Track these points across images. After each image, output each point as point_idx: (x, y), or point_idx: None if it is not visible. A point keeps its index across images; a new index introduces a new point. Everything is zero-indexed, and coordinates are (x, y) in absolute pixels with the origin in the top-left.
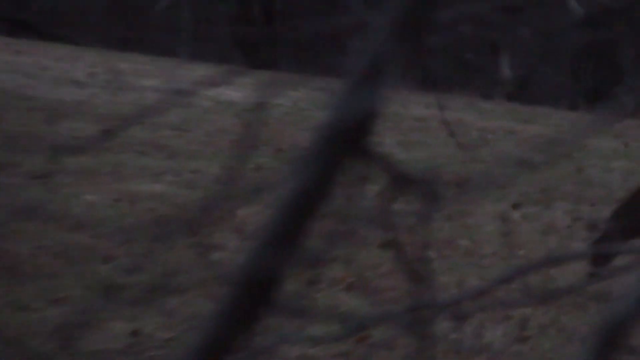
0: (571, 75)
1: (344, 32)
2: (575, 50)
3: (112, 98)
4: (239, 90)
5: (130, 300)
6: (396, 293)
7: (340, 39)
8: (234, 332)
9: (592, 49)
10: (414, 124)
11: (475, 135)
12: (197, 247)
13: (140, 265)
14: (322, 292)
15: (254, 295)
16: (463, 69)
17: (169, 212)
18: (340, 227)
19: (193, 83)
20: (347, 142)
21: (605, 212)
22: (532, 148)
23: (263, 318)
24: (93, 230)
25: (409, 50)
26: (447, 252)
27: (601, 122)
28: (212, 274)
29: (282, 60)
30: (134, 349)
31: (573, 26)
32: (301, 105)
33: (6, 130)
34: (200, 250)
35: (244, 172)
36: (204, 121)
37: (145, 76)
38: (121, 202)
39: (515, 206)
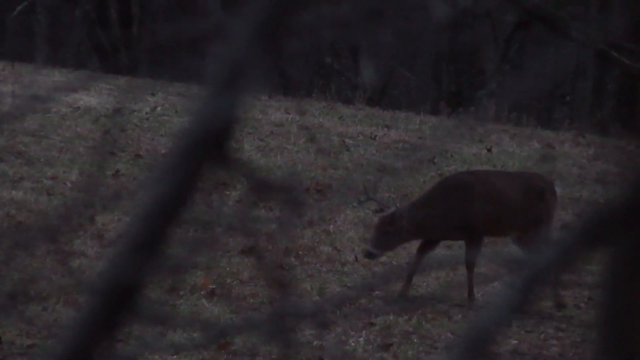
0: (432, 79)
1: (202, 37)
2: (436, 54)
3: None
4: (96, 95)
5: None
6: (258, 300)
7: (199, 44)
8: (96, 339)
9: (453, 53)
10: (273, 129)
11: (336, 141)
12: (57, 254)
13: (0, 272)
14: (184, 299)
15: (115, 303)
16: (323, 73)
17: (28, 219)
18: (201, 233)
19: (50, 89)
20: (207, 148)
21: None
22: (393, 153)
23: (124, 325)
24: None
25: (269, 55)
26: (309, 258)
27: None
28: (73, 281)
29: (139, 65)
30: None
31: (434, 30)
32: (159, 110)
33: None
34: (60, 257)
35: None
36: (62, 127)
37: (2, 81)
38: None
39: (377, 212)
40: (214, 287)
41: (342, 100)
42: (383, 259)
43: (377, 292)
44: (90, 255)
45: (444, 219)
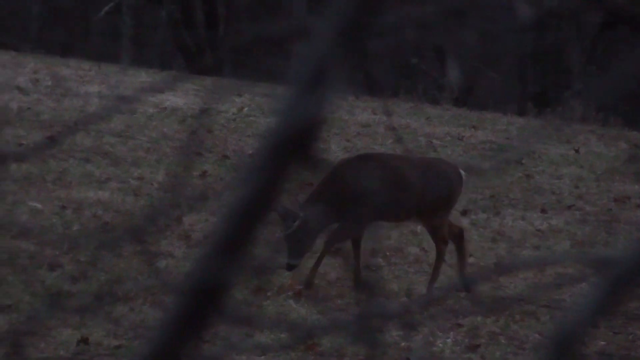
0: (519, 80)
1: (287, 37)
2: (522, 55)
3: (56, 104)
4: (182, 96)
5: (78, 308)
6: (345, 301)
7: (283, 44)
8: (182, 340)
9: (539, 53)
10: (360, 130)
11: (422, 142)
12: (144, 255)
13: (86, 273)
14: (270, 299)
15: (201, 303)
16: (409, 74)
17: (114, 220)
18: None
19: (136, 89)
20: (293, 149)
21: (556, 219)
22: (480, 154)
23: (211, 326)
24: (39, 238)
25: (354, 55)
26: (396, 259)
27: (550, 128)
28: (159, 281)
29: (225, 65)
30: (81, 357)
31: (520, 30)
32: (246, 111)
33: None
34: (147, 258)
35: (189, 179)
36: (148, 128)
37: (88, 82)
38: (66, 209)
39: (464, 213)
40: (300, 287)
41: (428, 101)
42: (470, 259)
43: (464, 293)
44: (177, 255)
45: (342, 204)
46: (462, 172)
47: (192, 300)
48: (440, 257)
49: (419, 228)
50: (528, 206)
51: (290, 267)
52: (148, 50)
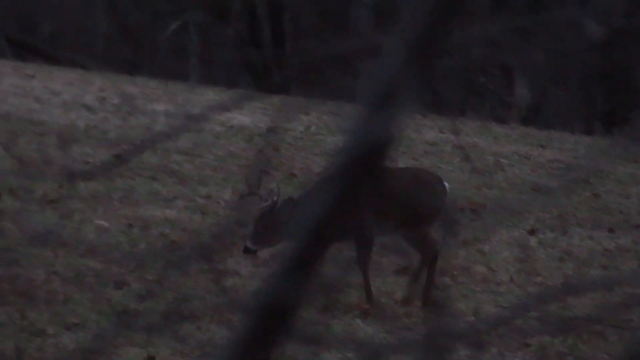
0: (586, 99)
1: (355, 56)
2: (590, 73)
3: (123, 123)
4: (249, 114)
5: (144, 326)
6: (412, 320)
7: (351, 62)
8: (250, 358)
9: (607, 72)
10: (427, 149)
11: (490, 160)
12: (211, 273)
13: (153, 291)
14: (338, 318)
15: (269, 322)
16: (476, 92)
17: (181, 238)
18: (355, 253)
19: (203, 107)
20: (362, 167)
21: (624, 239)
22: (548, 173)
23: (278, 345)
24: (106, 256)
25: (422, 74)
26: (463, 278)
27: (618, 147)
28: (226, 300)
29: (292, 83)
30: None
31: (588, 48)
32: (313, 129)
33: (18, 155)
34: (214, 276)
35: (256, 198)
36: (215, 146)
37: (156, 100)
38: (133, 227)
39: (532, 232)
40: (367, 306)
41: (496, 120)
42: (537, 279)
43: (532, 313)
44: (244, 274)
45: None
46: (446, 184)
47: (260, 319)
48: (433, 266)
49: (487, 247)
50: (595, 225)
51: (247, 250)
52: (215, 69)
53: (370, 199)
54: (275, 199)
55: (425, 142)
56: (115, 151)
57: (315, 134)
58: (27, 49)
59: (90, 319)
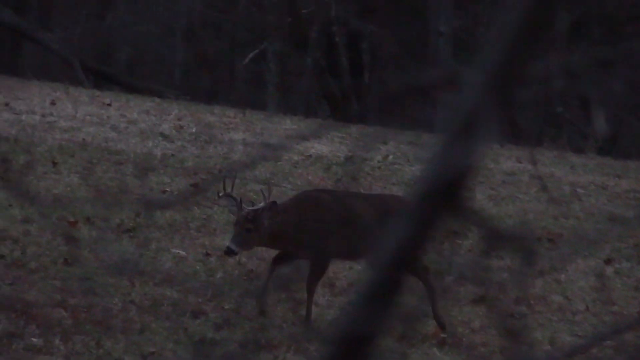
0: None
1: (433, 86)
2: None
3: (201, 151)
4: (328, 143)
5: (222, 356)
6: (489, 349)
7: (430, 93)
8: None
9: None
10: (505, 178)
11: (567, 190)
12: (288, 303)
13: (230, 320)
14: (415, 347)
15: (347, 352)
16: (554, 122)
17: (258, 267)
18: (433, 282)
19: (281, 137)
20: (440, 197)
21: None
22: (624, 203)
23: None
24: (183, 285)
25: (501, 104)
26: (540, 308)
27: None
28: (304, 329)
29: (370, 113)
30: None
31: None
32: (391, 159)
33: (95, 184)
34: (291, 306)
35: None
36: (293, 175)
37: (233, 129)
38: (210, 256)
39: (608, 262)
40: (445, 335)
41: (573, 150)
42: (614, 308)
43: (608, 342)
44: (322, 303)
45: (297, 231)
46: None
47: (338, 348)
48: (432, 289)
49: (563, 277)
50: None
51: (229, 252)
52: (293, 98)
53: (337, 224)
54: (266, 202)
55: (502, 172)
56: (192, 180)
57: (393, 164)
58: (104, 78)
59: (167, 348)
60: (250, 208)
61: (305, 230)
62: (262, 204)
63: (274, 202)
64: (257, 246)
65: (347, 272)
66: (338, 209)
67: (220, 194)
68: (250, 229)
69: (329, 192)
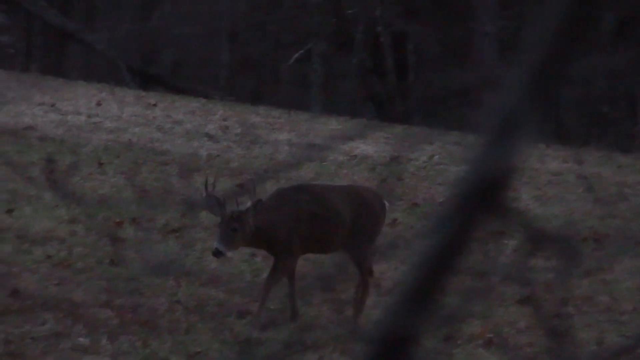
0: None
1: (477, 86)
2: None
3: (246, 152)
4: (373, 144)
5: (267, 356)
6: (535, 350)
7: (474, 93)
8: None
9: None
10: (551, 179)
11: (613, 190)
12: (333, 303)
13: (276, 321)
14: (460, 348)
15: (391, 352)
16: (600, 122)
17: (304, 268)
18: (478, 283)
19: (326, 137)
20: (484, 197)
21: None
22: None
23: None
24: (228, 285)
25: (545, 104)
26: (586, 308)
27: None
28: (349, 330)
29: (415, 113)
30: None
31: None
32: (436, 159)
33: (140, 184)
34: (337, 306)
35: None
36: (338, 175)
37: (278, 130)
38: (256, 257)
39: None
40: (490, 335)
41: (619, 149)
42: None
43: None
44: (367, 304)
45: (272, 229)
46: (385, 202)
47: (382, 348)
48: (366, 289)
49: (610, 277)
50: None
51: (217, 253)
52: (338, 98)
53: (301, 220)
54: (253, 201)
55: (548, 172)
56: (237, 180)
57: (438, 164)
58: (149, 79)
59: (212, 349)
60: (235, 208)
61: (280, 228)
62: (248, 203)
63: (260, 200)
64: (244, 245)
65: (393, 273)
66: (313, 204)
67: (203, 195)
68: (236, 228)
69: (300, 189)
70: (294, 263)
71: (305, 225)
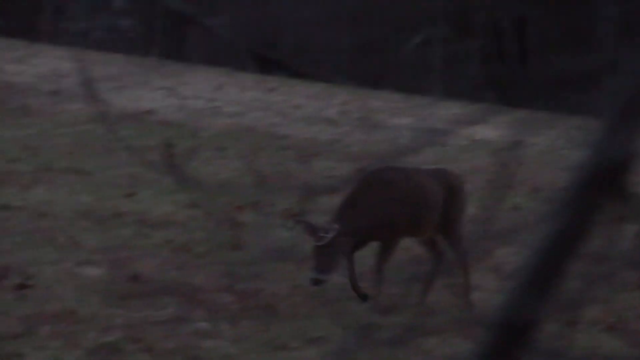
0: None
1: (598, 70)
2: None
3: (366, 137)
4: (494, 128)
5: (388, 340)
6: None
7: (595, 77)
8: None
9: None
10: None
11: None
12: (454, 287)
13: (397, 305)
14: (582, 332)
15: (512, 336)
16: None
17: (424, 253)
18: (599, 268)
19: (447, 121)
20: (604, 182)
21: None
22: None
23: (521, 359)
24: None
25: None
26: None
27: None
28: (470, 314)
29: (536, 98)
30: None
31: None
32: (558, 144)
33: (259, 169)
34: (458, 290)
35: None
36: (459, 160)
37: (399, 114)
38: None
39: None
40: (612, 320)
41: None
42: None
43: None
44: (488, 288)
45: (369, 217)
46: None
47: (503, 333)
48: (466, 270)
49: None
50: None
51: (317, 283)
52: (459, 82)
53: (405, 204)
54: (332, 233)
55: None
56: (357, 165)
57: (560, 149)
58: (269, 63)
59: (333, 333)
60: (324, 239)
61: (377, 215)
62: (335, 226)
63: (337, 228)
64: (343, 257)
65: (514, 258)
66: (405, 187)
67: (294, 221)
68: (330, 252)
69: (393, 170)
70: (396, 245)
71: (400, 206)
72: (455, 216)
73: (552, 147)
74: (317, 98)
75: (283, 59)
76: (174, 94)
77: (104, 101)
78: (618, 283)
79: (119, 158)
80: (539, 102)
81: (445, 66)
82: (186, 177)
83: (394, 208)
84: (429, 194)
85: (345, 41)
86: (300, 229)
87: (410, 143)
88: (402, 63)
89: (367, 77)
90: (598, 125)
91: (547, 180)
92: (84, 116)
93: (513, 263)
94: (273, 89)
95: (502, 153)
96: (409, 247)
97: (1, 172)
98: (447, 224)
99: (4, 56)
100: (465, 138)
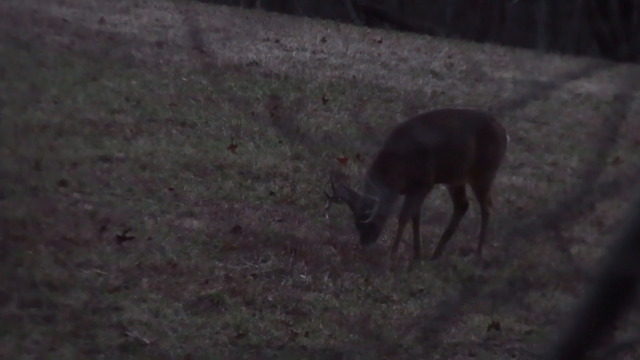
0: None
1: None
2: None
3: (471, 89)
4: (597, 82)
5: (490, 293)
6: None
7: None
8: (594, 327)
9: None
10: None
11: None
12: (557, 241)
13: (499, 259)
14: None
15: (614, 291)
16: None
17: (527, 205)
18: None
19: (551, 75)
20: None
21: None
22: None
23: (623, 314)
24: (445, 222)
25: None
26: None
27: None
28: (572, 267)
29: (639, 52)
30: (492, 342)
31: None
32: None
33: (365, 121)
34: (560, 244)
35: (602, 166)
36: (562, 114)
37: (503, 68)
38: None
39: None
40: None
41: None
42: None
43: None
44: (590, 242)
45: (404, 170)
46: (507, 137)
47: (605, 287)
48: (486, 219)
49: None
50: None
51: (366, 250)
52: (563, 37)
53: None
54: (378, 202)
55: None
56: None
57: None
58: (375, 15)
59: (435, 286)
60: (374, 212)
61: (410, 167)
62: (376, 197)
63: (372, 199)
64: (385, 228)
65: (616, 211)
66: (440, 134)
67: (326, 205)
68: (375, 225)
69: (423, 119)
70: (427, 194)
71: (433, 155)
72: (485, 162)
73: None
74: (422, 51)
75: (389, 11)
76: (279, 45)
77: (209, 52)
78: None
79: (222, 110)
80: None
81: (550, 20)
82: (290, 129)
83: (420, 160)
84: (457, 140)
85: None
86: (340, 197)
87: (514, 96)
88: (507, 16)
89: (472, 30)
90: None
91: None
92: (188, 68)
93: (615, 217)
94: (378, 42)
95: (605, 107)
96: (512, 200)
97: (104, 123)
98: (477, 168)
99: (108, 6)
100: (569, 92)
